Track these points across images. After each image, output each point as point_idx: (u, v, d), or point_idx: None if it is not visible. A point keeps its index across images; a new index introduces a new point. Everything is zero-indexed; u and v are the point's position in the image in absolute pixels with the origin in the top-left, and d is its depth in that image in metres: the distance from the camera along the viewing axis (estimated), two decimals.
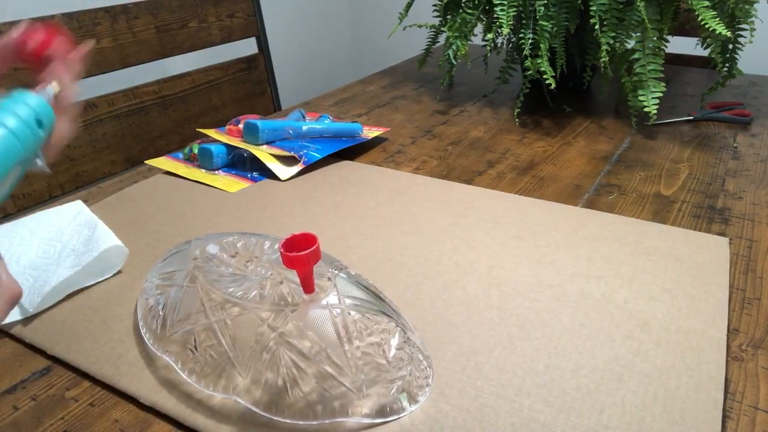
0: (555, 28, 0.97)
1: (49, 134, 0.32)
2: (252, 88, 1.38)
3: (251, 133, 0.87)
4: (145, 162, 0.89)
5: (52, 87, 0.33)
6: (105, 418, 0.44)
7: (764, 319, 0.54)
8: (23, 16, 0.96)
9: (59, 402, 0.46)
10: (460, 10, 1.06)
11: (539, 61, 0.97)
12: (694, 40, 1.07)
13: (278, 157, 0.86)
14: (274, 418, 0.42)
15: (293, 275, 0.43)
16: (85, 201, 0.77)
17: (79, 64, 0.39)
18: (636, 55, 0.93)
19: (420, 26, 1.20)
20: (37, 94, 0.32)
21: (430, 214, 0.72)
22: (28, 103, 0.31)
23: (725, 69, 1.00)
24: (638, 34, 0.94)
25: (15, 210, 0.96)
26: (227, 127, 0.93)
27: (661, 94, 0.92)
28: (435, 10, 1.14)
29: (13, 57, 0.37)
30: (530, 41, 0.98)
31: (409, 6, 1.14)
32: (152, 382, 0.47)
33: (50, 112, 0.32)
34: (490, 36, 1.04)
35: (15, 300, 0.31)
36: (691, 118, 1.04)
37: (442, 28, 1.12)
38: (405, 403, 0.43)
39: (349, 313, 0.43)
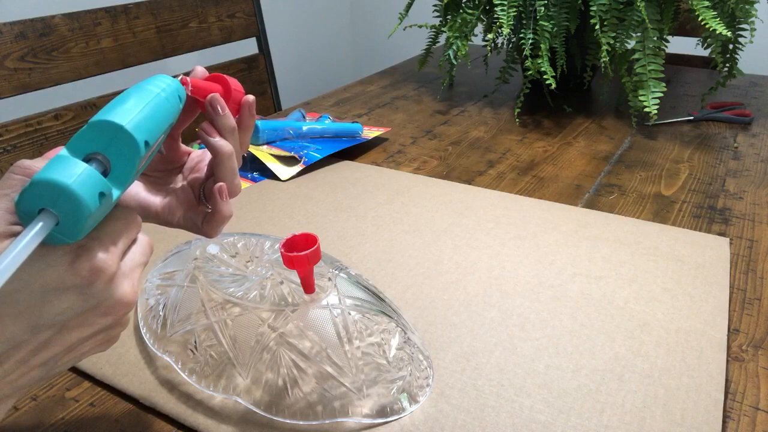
0: (555, 28, 0.97)
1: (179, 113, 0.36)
2: (252, 88, 1.38)
3: (252, 134, 0.87)
4: None
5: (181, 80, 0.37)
6: (105, 418, 0.44)
7: (765, 320, 0.54)
8: (23, 16, 0.96)
9: (59, 402, 0.46)
10: (461, 11, 1.06)
11: (539, 61, 0.97)
12: (695, 40, 1.07)
13: (278, 158, 0.86)
14: (275, 418, 0.42)
15: (293, 275, 0.43)
16: None
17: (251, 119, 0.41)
18: (636, 55, 0.93)
19: (420, 26, 1.20)
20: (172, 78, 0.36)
21: (430, 214, 0.72)
22: (169, 81, 0.35)
23: (725, 69, 1.00)
24: (638, 34, 0.94)
25: None
26: None
27: (661, 94, 0.92)
28: (435, 10, 1.14)
29: (195, 109, 0.40)
30: (530, 41, 0.98)
31: (409, 6, 1.14)
32: (152, 382, 0.47)
33: (185, 92, 0.36)
34: (490, 36, 1.04)
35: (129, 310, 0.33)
36: (692, 118, 1.04)
37: (443, 29, 1.12)
38: (405, 404, 0.43)
39: (350, 314, 0.43)
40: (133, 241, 0.33)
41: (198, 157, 0.43)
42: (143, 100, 0.32)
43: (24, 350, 0.28)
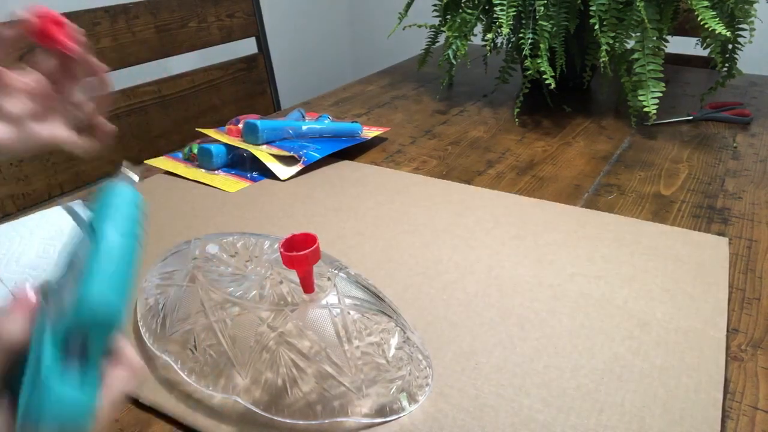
0: (555, 28, 0.97)
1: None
2: (252, 87, 1.38)
3: (251, 133, 0.87)
4: (145, 162, 0.89)
5: (134, 173, 0.34)
6: None
7: (764, 319, 0.54)
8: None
9: None
10: (460, 10, 1.06)
11: (539, 61, 0.97)
12: (694, 40, 1.07)
13: (278, 157, 0.86)
14: (274, 417, 0.42)
15: (293, 275, 0.43)
16: (85, 201, 0.77)
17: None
18: (636, 55, 0.93)
19: (420, 26, 1.20)
20: (128, 185, 0.33)
21: (429, 214, 0.72)
22: (131, 199, 0.32)
23: (725, 69, 1.00)
24: (638, 34, 0.94)
25: (15, 210, 0.96)
26: (227, 126, 0.93)
27: (660, 94, 0.92)
28: (435, 10, 1.14)
29: (16, 43, 0.39)
30: (530, 41, 0.98)
31: (409, 6, 1.14)
32: (152, 382, 0.47)
33: (142, 201, 0.34)
34: (489, 36, 1.04)
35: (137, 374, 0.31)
36: (691, 118, 1.04)
37: (442, 28, 1.12)
38: (405, 403, 0.43)
39: (349, 313, 0.43)
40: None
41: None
42: (124, 269, 0.29)
43: None
